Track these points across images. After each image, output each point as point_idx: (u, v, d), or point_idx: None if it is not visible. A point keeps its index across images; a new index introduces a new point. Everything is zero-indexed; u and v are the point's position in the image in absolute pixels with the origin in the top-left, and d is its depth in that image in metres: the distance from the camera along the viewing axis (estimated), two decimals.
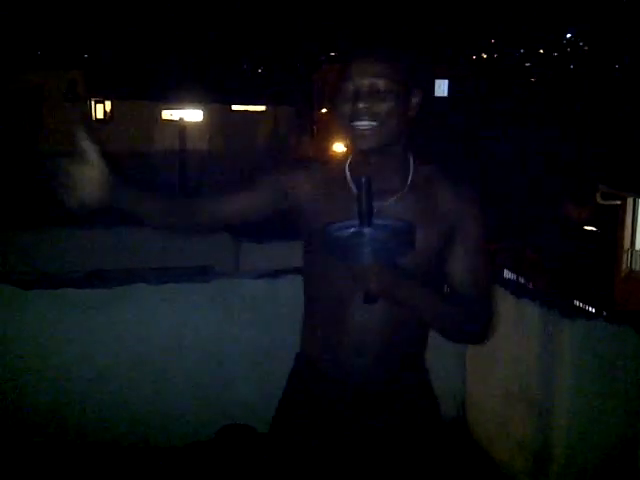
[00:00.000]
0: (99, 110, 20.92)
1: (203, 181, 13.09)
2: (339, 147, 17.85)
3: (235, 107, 21.79)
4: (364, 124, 1.57)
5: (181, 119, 15.51)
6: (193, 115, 19.39)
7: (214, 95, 21.73)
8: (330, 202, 1.66)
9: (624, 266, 16.62)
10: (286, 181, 1.71)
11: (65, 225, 4.97)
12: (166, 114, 19.97)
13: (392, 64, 1.59)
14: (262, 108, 21.92)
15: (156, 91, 22.13)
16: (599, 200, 17.54)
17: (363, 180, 1.47)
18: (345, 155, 1.74)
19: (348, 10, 34.41)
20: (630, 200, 16.62)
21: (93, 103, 20.45)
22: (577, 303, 2.88)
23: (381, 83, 1.57)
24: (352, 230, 1.49)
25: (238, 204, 1.73)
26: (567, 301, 2.99)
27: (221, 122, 20.08)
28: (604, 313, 2.82)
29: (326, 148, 19.01)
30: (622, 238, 16.83)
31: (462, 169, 1.71)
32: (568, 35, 38.30)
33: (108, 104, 20.89)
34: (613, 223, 17.07)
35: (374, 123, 1.57)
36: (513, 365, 3.02)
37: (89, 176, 1.57)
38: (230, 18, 33.45)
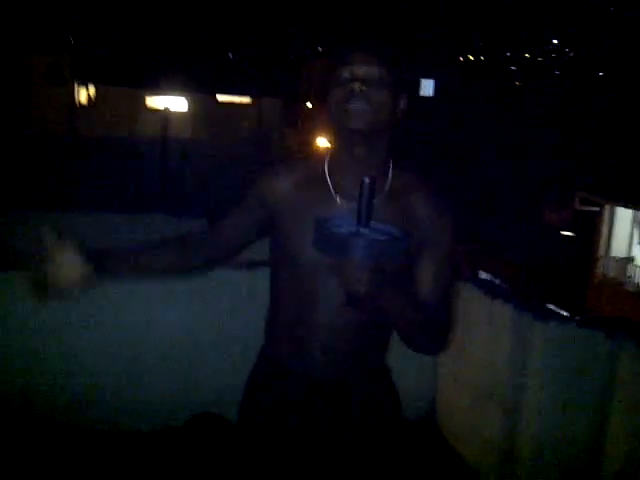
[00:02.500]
0: (82, 95, 20.71)
1: (185, 169, 13.03)
2: (322, 142, 17.87)
3: (220, 98, 21.68)
4: (359, 106, 1.57)
5: (166, 108, 15.43)
6: (178, 104, 19.26)
7: (199, 85, 21.60)
8: (308, 200, 1.66)
9: (599, 272, 16.80)
10: (268, 190, 1.70)
11: (54, 209, 4.89)
12: (150, 101, 19.81)
13: (389, 58, 1.62)
14: (247, 100, 21.83)
15: (140, 78, 21.93)
16: (577, 206, 17.70)
17: (367, 181, 1.43)
18: (325, 152, 1.73)
19: (336, 5, 34.35)
20: (608, 207, 16.81)
21: (77, 87, 20.24)
22: (551, 306, 2.92)
23: (378, 72, 1.58)
24: (351, 228, 1.46)
25: (236, 231, 1.75)
26: (540, 304, 3.02)
27: (205, 112, 19.98)
28: (576, 317, 2.86)
29: (310, 142, 19.03)
30: (598, 244, 17.00)
31: (439, 176, 1.72)
32: (554, 41, 38.52)
33: (92, 89, 20.69)
34: (590, 229, 17.24)
35: (368, 107, 1.57)
36: (484, 365, 3.06)
37: (65, 273, 1.62)
38: (217, 8, 33.27)
